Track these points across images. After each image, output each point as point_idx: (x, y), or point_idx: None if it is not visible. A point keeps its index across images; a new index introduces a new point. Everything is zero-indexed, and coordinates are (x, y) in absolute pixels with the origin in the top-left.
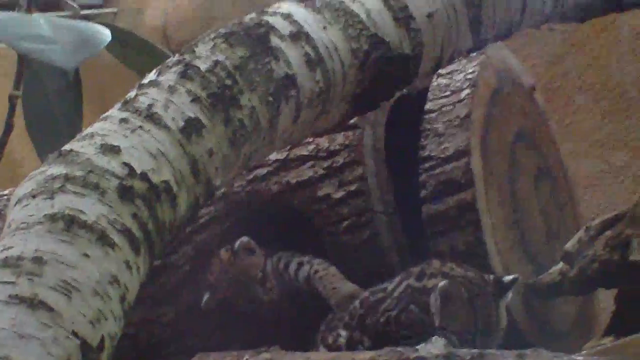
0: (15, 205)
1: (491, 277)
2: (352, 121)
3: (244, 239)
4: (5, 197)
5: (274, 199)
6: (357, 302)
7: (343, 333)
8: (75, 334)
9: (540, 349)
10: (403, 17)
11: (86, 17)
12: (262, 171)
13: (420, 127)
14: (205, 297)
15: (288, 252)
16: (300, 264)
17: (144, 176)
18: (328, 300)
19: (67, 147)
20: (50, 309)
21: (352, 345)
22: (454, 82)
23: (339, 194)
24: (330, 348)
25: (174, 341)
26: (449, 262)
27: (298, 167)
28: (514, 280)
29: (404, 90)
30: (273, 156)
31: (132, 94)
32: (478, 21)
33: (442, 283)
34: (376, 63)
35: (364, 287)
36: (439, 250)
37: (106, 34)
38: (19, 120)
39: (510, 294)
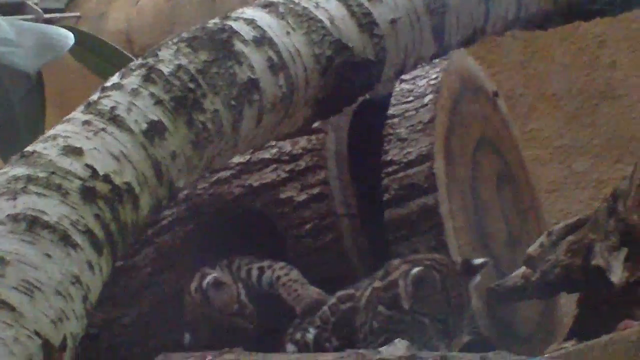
0: None
1: (459, 259)
2: (315, 125)
3: (211, 277)
4: None
5: (237, 202)
6: (326, 308)
7: (312, 330)
8: (37, 333)
9: (503, 352)
10: (366, 23)
11: (49, 21)
12: (225, 174)
13: (383, 131)
14: (187, 338)
15: (246, 256)
16: (262, 270)
17: (106, 178)
18: (293, 307)
19: (29, 148)
20: (12, 309)
21: (319, 342)
22: (417, 88)
23: (302, 197)
24: (298, 344)
25: (136, 342)
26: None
27: (261, 170)
28: (483, 264)
29: (367, 95)
30: (236, 159)
31: (95, 96)
32: (441, 28)
33: (415, 270)
34: (339, 68)
35: (326, 291)
36: (400, 254)
37: (69, 37)
38: None
39: (478, 277)
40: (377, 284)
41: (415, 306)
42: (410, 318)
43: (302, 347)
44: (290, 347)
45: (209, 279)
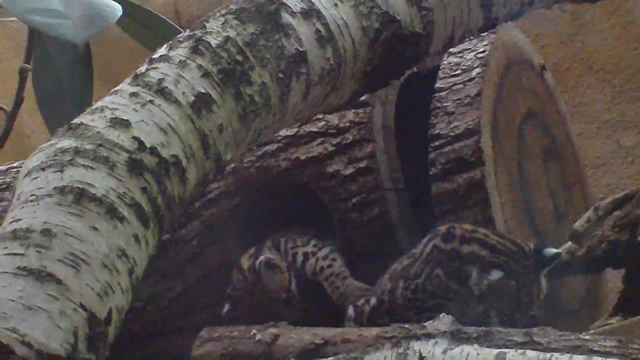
0: (24, 177)
1: (530, 246)
2: (362, 98)
3: (264, 257)
4: (15, 169)
5: (284, 175)
6: (386, 275)
7: (373, 300)
8: (83, 306)
9: (548, 328)
10: None
11: None
12: (272, 147)
13: (431, 105)
14: (226, 308)
15: (290, 235)
16: (306, 256)
17: (153, 150)
18: (339, 303)
19: (77, 120)
20: (59, 282)
21: (374, 315)
22: (465, 61)
23: (349, 171)
24: (357, 310)
25: (182, 315)
26: (480, 228)
27: (308, 143)
28: (556, 255)
29: (415, 68)
30: (283, 132)
31: (142, 68)
32: (489, 1)
33: (492, 275)
34: (387, 41)
35: (372, 265)
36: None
37: (117, 8)
38: (29, 94)
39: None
40: (440, 243)
41: (484, 298)
42: (475, 303)
43: (360, 314)
44: (350, 310)
45: (261, 258)
